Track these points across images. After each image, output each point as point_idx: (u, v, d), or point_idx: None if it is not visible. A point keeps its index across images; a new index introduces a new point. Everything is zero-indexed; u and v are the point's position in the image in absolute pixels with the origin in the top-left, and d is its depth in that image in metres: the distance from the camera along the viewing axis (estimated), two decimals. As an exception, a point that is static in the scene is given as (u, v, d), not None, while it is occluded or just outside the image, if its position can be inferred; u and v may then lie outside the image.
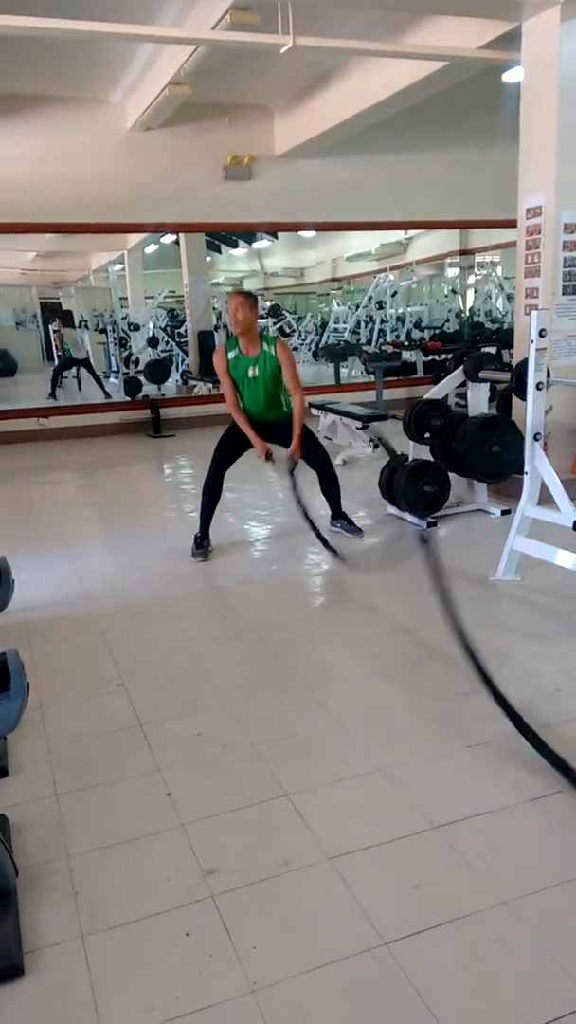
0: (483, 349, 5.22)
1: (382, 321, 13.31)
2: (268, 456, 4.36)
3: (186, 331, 12.30)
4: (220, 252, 16.56)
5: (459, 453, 4.71)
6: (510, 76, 6.44)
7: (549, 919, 1.75)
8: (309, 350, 14.41)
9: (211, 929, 1.76)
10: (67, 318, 11.99)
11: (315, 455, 4.51)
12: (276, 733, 2.58)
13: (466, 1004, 1.56)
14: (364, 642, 3.27)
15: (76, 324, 12.33)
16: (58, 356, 12.53)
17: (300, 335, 15.34)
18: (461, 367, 4.82)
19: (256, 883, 1.89)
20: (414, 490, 4.62)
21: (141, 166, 8.64)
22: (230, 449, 4.47)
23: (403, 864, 1.95)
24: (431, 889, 1.86)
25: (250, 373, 4.29)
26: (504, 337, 9.70)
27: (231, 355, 4.31)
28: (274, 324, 14.71)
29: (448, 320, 13.08)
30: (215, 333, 11.60)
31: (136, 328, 13.02)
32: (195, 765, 2.42)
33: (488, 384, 4.95)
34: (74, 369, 11.82)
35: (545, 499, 3.59)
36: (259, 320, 4.48)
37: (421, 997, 1.56)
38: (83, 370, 11.62)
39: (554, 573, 3.57)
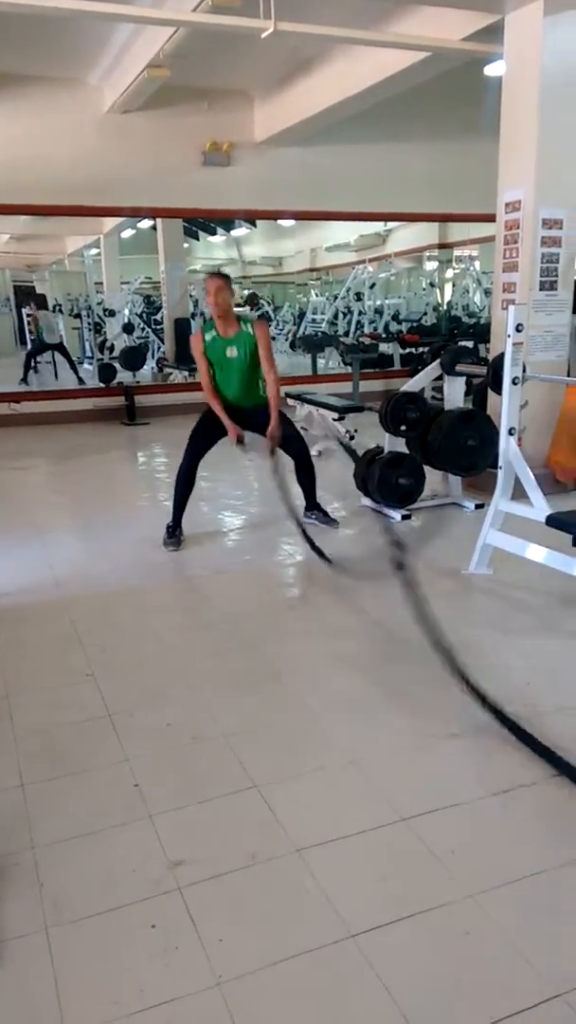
0: (460, 343, 5.23)
1: (360, 313, 13.29)
2: (240, 441, 4.33)
3: (162, 318, 12.19)
4: (198, 239, 16.42)
5: (434, 446, 4.71)
6: (492, 70, 6.43)
7: (516, 913, 1.76)
8: (286, 340, 14.35)
9: (177, 921, 1.75)
10: (41, 301, 11.82)
11: (292, 442, 4.50)
12: (246, 724, 2.57)
13: (432, 997, 1.56)
14: (337, 633, 3.26)
15: (50, 308, 12.17)
16: (32, 340, 12.36)
17: (278, 325, 15.27)
18: (438, 360, 4.82)
19: (223, 875, 1.88)
20: (389, 482, 4.63)
21: (118, 149, 8.52)
22: (205, 437, 4.43)
23: (371, 856, 1.94)
24: (399, 882, 1.86)
25: (228, 354, 4.25)
26: (481, 331, 9.73)
27: (208, 337, 4.27)
28: (256, 313, 14.64)
29: (426, 313, 13.11)
30: (191, 320, 11.51)
31: (111, 314, 12.88)
32: (164, 756, 2.40)
33: (464, 378, 4.96)
34: (49, 354, 11.67)
35: (519, 493, 3.61)
36: (238, 308, 4.43)
37: (387, 990, 1.56)
38: (58, 355, 11.48)
39: (526, 567, 3.59)
